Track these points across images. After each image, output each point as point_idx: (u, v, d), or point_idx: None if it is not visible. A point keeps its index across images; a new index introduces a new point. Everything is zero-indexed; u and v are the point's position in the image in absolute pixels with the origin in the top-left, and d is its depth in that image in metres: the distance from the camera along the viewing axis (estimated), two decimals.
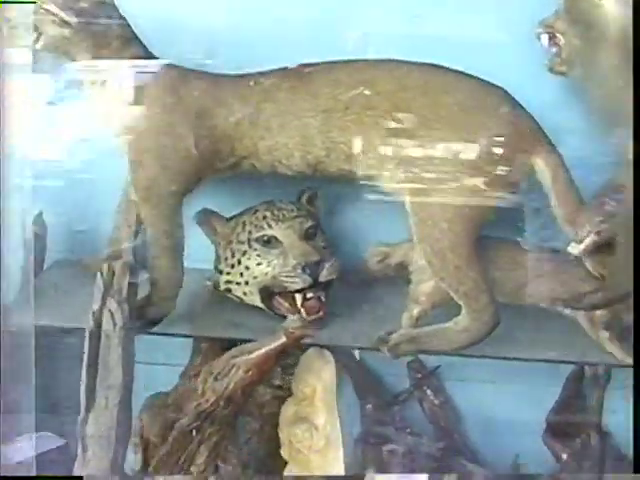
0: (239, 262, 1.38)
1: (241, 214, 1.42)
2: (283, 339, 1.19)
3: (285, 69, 1.32)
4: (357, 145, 1.30)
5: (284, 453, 1.36)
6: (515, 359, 1.35)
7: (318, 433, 1.31)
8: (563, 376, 1.50)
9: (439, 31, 1.39)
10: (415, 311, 1.36)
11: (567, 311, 1.36)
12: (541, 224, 1.32)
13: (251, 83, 1.30)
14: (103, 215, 1.45)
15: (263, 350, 1.19)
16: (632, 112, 1.17)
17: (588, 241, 1.22)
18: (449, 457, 1.45)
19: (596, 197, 1.26)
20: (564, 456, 1.39)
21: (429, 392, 1.58)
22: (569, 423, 1.48)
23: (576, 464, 1.37)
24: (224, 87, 1.30)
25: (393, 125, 1.28)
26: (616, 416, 1.43)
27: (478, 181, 1.26)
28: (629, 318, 1.29)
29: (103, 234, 1.45)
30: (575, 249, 1.23)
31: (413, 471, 1.34)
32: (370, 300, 1.46)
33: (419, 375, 1.57)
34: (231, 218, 1.44)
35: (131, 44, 1.28)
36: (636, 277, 1.16)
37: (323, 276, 1.34)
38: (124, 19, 1.27)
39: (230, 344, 1.34)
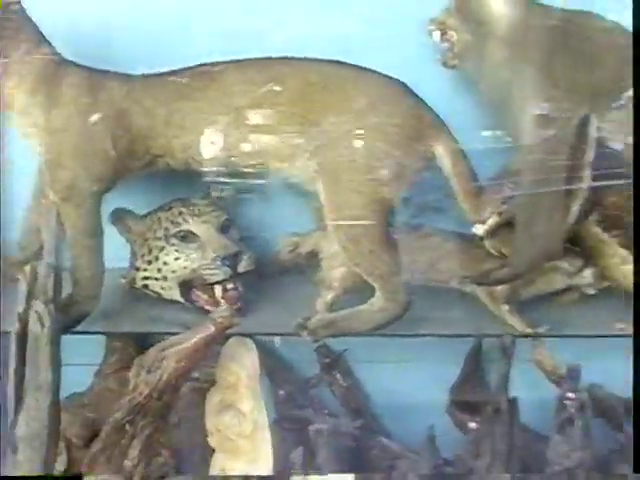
0: (157, 258, 1.63)
1: (155, 211, 1.68)
2: (212, 329, 1.42)
3: (196, 68, 1.57)
4: (269, 139, 1.57)
5: (212, 442, 1.62)
6: (423, 335, 1.67)
7: (245, 419, 1.58)
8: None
9: (339, 29, 1.67)
10: (329, 297, 1.65)
11: (468, 288, 1.69)
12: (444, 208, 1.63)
13: (165, 82, 1.54)
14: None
15: (193, 340, 1.42)
16: (632, 113, 1.47)
17: (491, 222, 1.56)
18: (366, 435, 1.75)
19: (493, 182, 1.59)
20: (473, 425, 1.72)
21: (338, 375, 1.87)
22: (475, 393, 1.82)
23: (487, 432, 1.68)
24: (138, 87, 1.55)
25: (302, 118, 1.56)
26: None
27: (385, 169, 1.55)
28: (526, 292, 1.65)
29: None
30: (480, 230, 1.57)
31: (339, 450, 1.63)
32: (284, 289, 1.74)
33: (327, 360, 1.85)
34: (145, 216, 1.69)
35: (40, 46, 1.49)
36: (636, 273, 1.49)
37: (242, 267, 1.61)
38: (32, 21, 1.48)
39: (146, 341, 1.59)
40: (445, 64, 1.70)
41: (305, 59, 1.58)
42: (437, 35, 1.68)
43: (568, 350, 1.71)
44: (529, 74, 1.59)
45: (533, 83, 1.58)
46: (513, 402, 1.61)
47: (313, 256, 1.71)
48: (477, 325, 1.69)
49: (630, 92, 1.54)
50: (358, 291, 1.62)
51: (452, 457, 1.70)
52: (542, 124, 1.54)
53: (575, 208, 1.54)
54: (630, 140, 1.52)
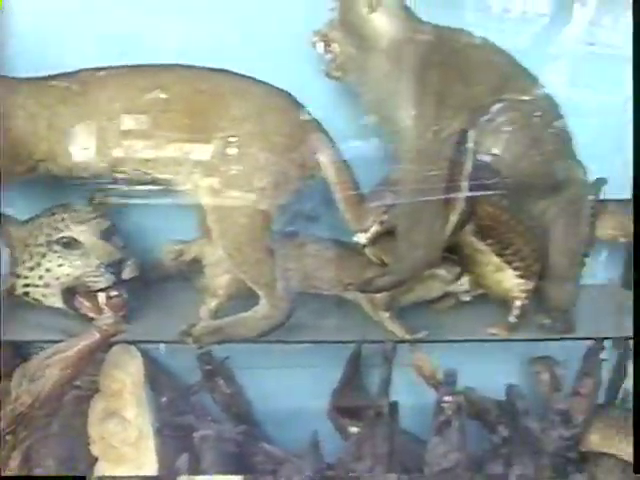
0: (38, 264, 1.86)
1: (37, 217, 1.90)
2: (97, 336, 1.67)
3: (80, 72, 1.80)
4: (153, 147, 1.82)
5: (94, 450, 1.86)
6: (305, 342, 1.96)
7: (130, 426, 1.83)
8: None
9: (225, 38, 1.95)
10: (213, 304, 1.93)
11: (349, 296, 2.00)
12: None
13: (48, 86, 1.77)
14: None
15: (77, 348, 1.65)
16: (632, 113, 1.68)
17: (373, 230, 1.85)
18: (249, 441, 2.04)
19: (375, 191, 1.89)
20: (354, 429, 2.04)
21: (221, 382, 2.14)
22: (354, 398, 2.14)
23: (368, 435, 1.98)
24: (22, 90, 1.77)
25: (187, 127, 1.81)
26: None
27: (267, 178, 1.82)
28: (405, 299, 1.98)
29: None
30: (362, 238, 1.86)
31: (223, 456, 1.91)
32: (168, 296, 2.00)
33: (209, 367, 2.12)
34: (26, 221, 1.91)
35: None
36: (636, 275, 1.71)
37: (126, 274, 1.86)
38: None
39: (26, 349, 1.82)
40: (328, 75, 1.98)
41: (193, 67, 1.83)
42: (321, 47, 1.96)
43: (446, 355, 2.04)
44: (408, 87, 1.89)
45: (412, 96, 1.87)
46: (394, 406, 1.89)
47: (197, 263, 1.97)
48: (358, 332, 1.99)
49: (498, 105, 1.87)
50: (242, 298, 1.90)
51: (335, 461, 1.99)
52: (421, 136, 1.83)
53: (454, 218, 1.83)
54: (496, 151, 1.85)
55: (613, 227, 2.15)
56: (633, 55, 1.65)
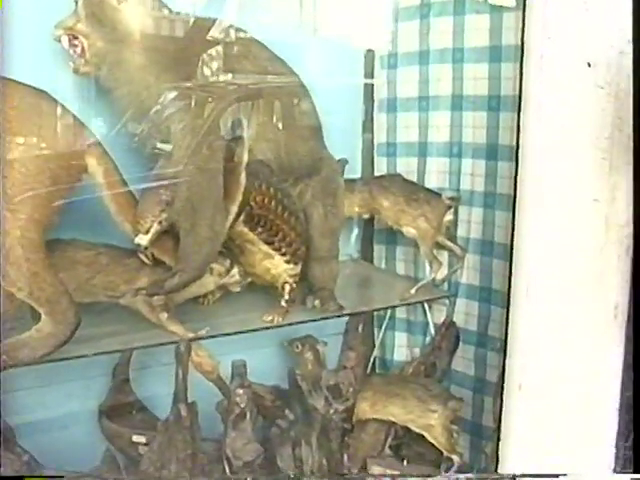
0: None
1: None
2: None
3: None
4: None
5: None
6: (85, 356, 1.87)
7: None
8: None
9: None
10: None
11: (124, 301, 1.95)
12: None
13: None
14: None
15: None
16: (632, 115, 1.63)
17: (153, 231, 1.83)
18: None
19: (148, 189, 1.87)
20: (139, 438, 2.00)
21: None
22: (129, 407, 2.11)
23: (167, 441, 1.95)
24: None
25: None
26: None
27: (39, 184, 1.72)
28: (180, 297, 1.97)
29: None
30: (143, 240, 1.83)
31: None
32: None
33: None
34: None
35: None
36: (635, 276, 1.68)
37: None
38: None
39: None
40: (77, 71, 1.91)
41: None
42: (66, 41, 1.89)
43: (223, 348, 2.05)
44: (166, 80, 1.88)
45: (172, 88, 1.87)
46: (192, 407, 1.88)
47: None
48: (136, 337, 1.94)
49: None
50: (13, 317, 1.78)
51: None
52: (191, 128, 1.85)
53: (234, 209, 1.87)
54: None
55: (359, 205, 2.27)
56: (633, 55, 1.63)
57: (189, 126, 1.87)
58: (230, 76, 1.97)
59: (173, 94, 1.88)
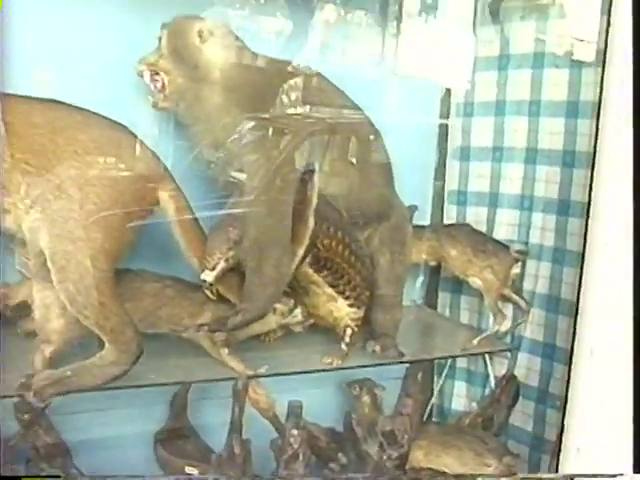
0: None
1: None
2: None
3: None
4: None
5: None
6: (144, 386, 1.92)
7: None
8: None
9: (49, 66, 1.89)
10: (48, 351, 1.83)
11: (186, 334, 1.99)
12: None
13: None
14: None
15: None
16: (632, 116, 1.67)
17: (219, 268, 1.87)
18: None
19: (218, 226, 1.90)
20: (192, 470, 2.03)
21: (41, 432, 2.00)
22: (185, 439, 2.14)
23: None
24: None
25: (25, 163, 1.72)
26: None
27: (112, 216, 1.77)
28: (242, 334, 2.00)
29: None
30: (209, 276, 1.87)
31: None
32: None
33: (26, 416, 1.97)
34: None
35: None
36: (635, 278, 1.70)
37: None
38: None
39: None
40: (156, 106, 1.97)
41: (25, 97, 1.73)
42: (147, 76, 1.95)
43: (280, 386, 2.08)
44: (244, 119, 1.91)
45: (250, 129, 1.90)
46: (245, 444, 1.90)
47: (25, 307, 1.87)
48: (196, 371, 1.98)
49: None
50: (81, 343, 1.83)
51: None
52: (266, 170, 1.88)
53: (300, 252, 1.88)
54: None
55: (427, 252, 2.28)
56: (633, 56, 1.69)
57: (264, 156, 1.90)
58: (307, 108, 1.98)
59: (251, 124, 1.90)
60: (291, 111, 1.98)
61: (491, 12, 2.38)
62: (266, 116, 1.94)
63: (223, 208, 1.92)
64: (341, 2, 2.33)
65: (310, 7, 2.25)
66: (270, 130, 1.93)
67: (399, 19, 2.37)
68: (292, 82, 1.97)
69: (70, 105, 1.78)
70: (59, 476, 1.80)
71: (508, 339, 2.38)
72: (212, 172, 1.97)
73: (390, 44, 2.34)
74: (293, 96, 1.97)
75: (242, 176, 1.93)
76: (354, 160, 2.07)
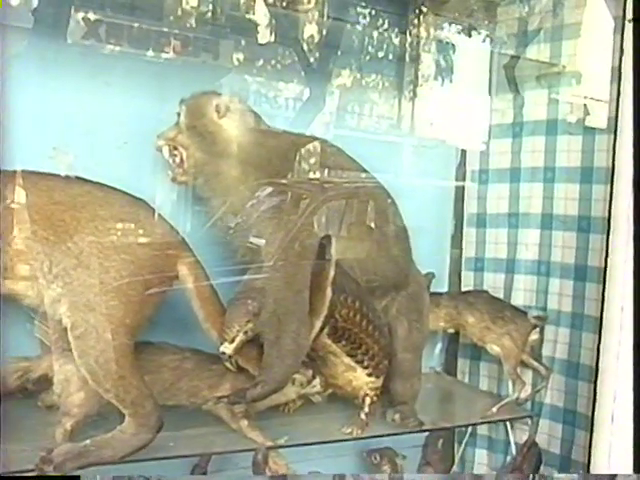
0: None
1: None
2: None
3: None
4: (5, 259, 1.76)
5: None
6: (164, 458, 1.93)
7: None
8: None
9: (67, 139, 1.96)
10: (68, 424, 1.86)
11: (205, 406, 2.02)
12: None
13: None
14: None
15: None
16: (632, 116, 1.74)
17: (238, 340, 1.91)
18: None
19: (236, 298, 1.95)
20: None
21: None
22: None
23: None
24: None
25: (45, 239, 1.78)
26: None
27: (132, 290, 1.82)
28: (261, 405, 2.02)
29: None
30: (228, 349, 1.91)
31: None
32: (13, 419, 1.90)
33: None
34: None
35: None
36: (636, 280, 1.75)
37: None
38: None
39: None
40: (175, 180, 2.03)
41: (46, 174, 1.81)
42: (166, 151, 2.01)
43: (300, 456, 2.10)
44: (262, 192, 1.97)
45: (268, 193, 1.96)
46: None
47: (46, 381, 1.91)
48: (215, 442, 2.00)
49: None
50: (101, 416, 1.86)
51: None
52: (283, 242, 1.92)
53: (318, 323, 1.92)
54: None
55: (445, 319, 2.31)
56: (633, 57, 1.76)
57: (283, 221, 1.94)
58: (325, 173, 2.03)
59: (269, 189, 1.96)
60: (309, 176, 2.00)
61: (507, 77, 2.42)
62: (284, 181, 1.98)
63: (241, 275, 1.97)
64: (357, 67, 2.38)
65: (326, 72, 2.29)
66: (289, 195, 1.96)
67: (415, 83, 2.41)
68: (310, 147, 2.00)
69: (91, 182, 1.85)
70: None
71: (528, 405, 2.37)
72: (231, 238, 2.01)
73: (406, 108, 2.38)
74: (311, 160, 2.00)
75: (261, 242, 1.95)
76: (373, 224, 2.09)
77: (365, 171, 2.11)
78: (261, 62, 2.30)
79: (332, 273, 1.89)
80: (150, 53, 2.07)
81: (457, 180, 2.51)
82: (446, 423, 2.31)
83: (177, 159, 2.01)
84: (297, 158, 2.01)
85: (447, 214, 2.55)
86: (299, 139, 2.07)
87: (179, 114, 2.01)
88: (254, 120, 2.06)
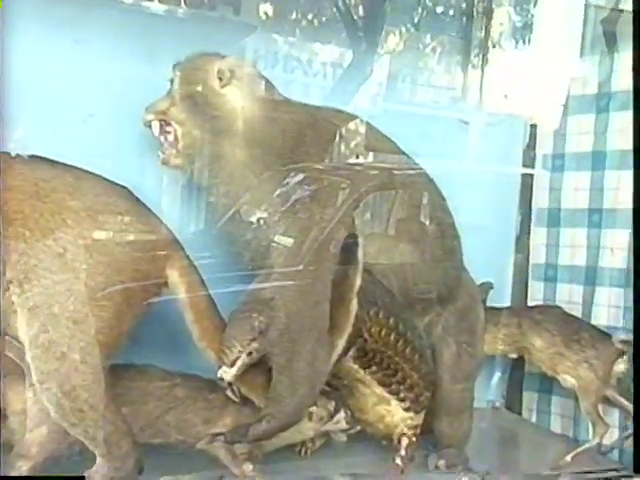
0: None
1: None
2: None
3: None
4: None
5: None
6: None
7: None
8: None
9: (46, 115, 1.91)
10: (25, 468, 1.81)
11: (199, 445, 1.96)
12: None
13: None
14: None
15: None
16: (632, 117, 1.73)
17: (239, 363, 1.81)
18: None
19: (239, 311, 1.87)
20: None
21: None
22: None
23: None
24: None
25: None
26: None
27: (109, 301, 1.76)
28: (270, 445, 1.98)
29: None
30: (227, 374, 1.82)
31: None
32: None
33: None
34: None
35: None
36: (636, 279, 1.75)
37: None
38: None
39: None
40: (166, 163, 1.97)
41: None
42: (156, 127, 1.95)
43: None
44: (272, 177, 1.92)
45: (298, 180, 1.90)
46: None
47: None
48: None
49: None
50: (67, 458, 1.81)
51: None
52: (301, 240, 1.87)
53: (340, 343, 1.85)
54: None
55: (505, 342, 2.26)
56: (633, 57, 1.78)
57: (317, 216, 1.88)
58: (370, 157, 1.98)
59: (300, 177, 1.90)
60: (350, 161, 1.95)
61: (605, 35, 2.35)
62: (319, 167, 1.91)
63: (246, 283, 1.91)
64: (412, 26, 2.33)
65: (374, 32, 2.24)
66: (325, 183, 1.90)
67: (484, 45, 2.36)
68: (352, 125, 1.95)
69: (57, 163, 1.78)
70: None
71: (615, 455, 2.28)
72: (234, 237, 1.98)
73: (473, 76, 2.33)
74: (352, 142, 1.95)
75: (289, 241, 1.90)
76: (427, 222, 2.02)
77: (403, 154, 2.02)
78: (293, 17, 2.21)
79: (358, 281, 1.81)
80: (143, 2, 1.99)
81: (524, 166, 2.44)
82: (504, 476, 2.24)
83: (169, 137, 1.96)
84: (317, 138, 1.93)
85: (510, 209, 2.48)
86: (319, 112, 1.99)
87: (172, 81, 1.94)
88: (265, 89, 1.99)
